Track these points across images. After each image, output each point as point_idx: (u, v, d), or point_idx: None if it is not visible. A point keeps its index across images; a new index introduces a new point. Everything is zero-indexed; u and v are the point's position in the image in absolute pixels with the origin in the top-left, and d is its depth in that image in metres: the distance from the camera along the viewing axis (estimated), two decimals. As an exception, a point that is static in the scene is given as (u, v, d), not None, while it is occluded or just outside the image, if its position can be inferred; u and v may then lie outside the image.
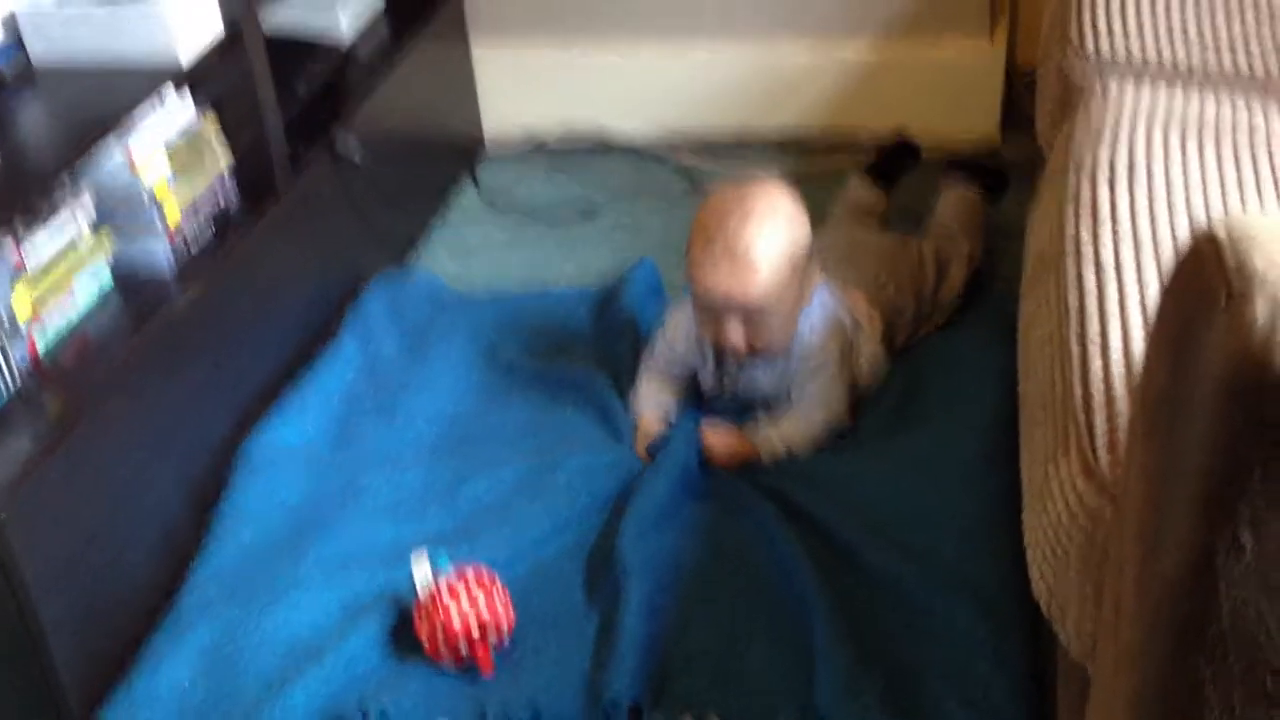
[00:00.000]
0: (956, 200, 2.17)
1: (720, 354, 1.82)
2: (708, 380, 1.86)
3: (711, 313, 1.74)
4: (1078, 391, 1.16)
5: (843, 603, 1.49)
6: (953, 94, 2.55)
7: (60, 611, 1.40)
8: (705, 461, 1.75)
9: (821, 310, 1.80)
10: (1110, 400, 1.12)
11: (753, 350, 1.76)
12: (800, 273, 1.73)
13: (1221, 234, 0.78)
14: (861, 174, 2.26)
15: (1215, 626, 0.82)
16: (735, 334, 1.73)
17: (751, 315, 1.71)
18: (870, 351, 1.84)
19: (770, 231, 1.69)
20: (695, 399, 1.88)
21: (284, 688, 1.44)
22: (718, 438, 1.77)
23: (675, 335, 1.85)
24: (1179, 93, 1.64)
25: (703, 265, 1.71)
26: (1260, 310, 0.74)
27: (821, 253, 1.96)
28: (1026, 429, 1.32)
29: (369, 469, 1.77)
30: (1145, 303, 1.23)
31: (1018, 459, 1.37)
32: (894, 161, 2.30)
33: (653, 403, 1.84)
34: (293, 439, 1.80)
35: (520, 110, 2.71)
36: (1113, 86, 1.67)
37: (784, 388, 1.81)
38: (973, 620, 1.45)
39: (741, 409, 1.84)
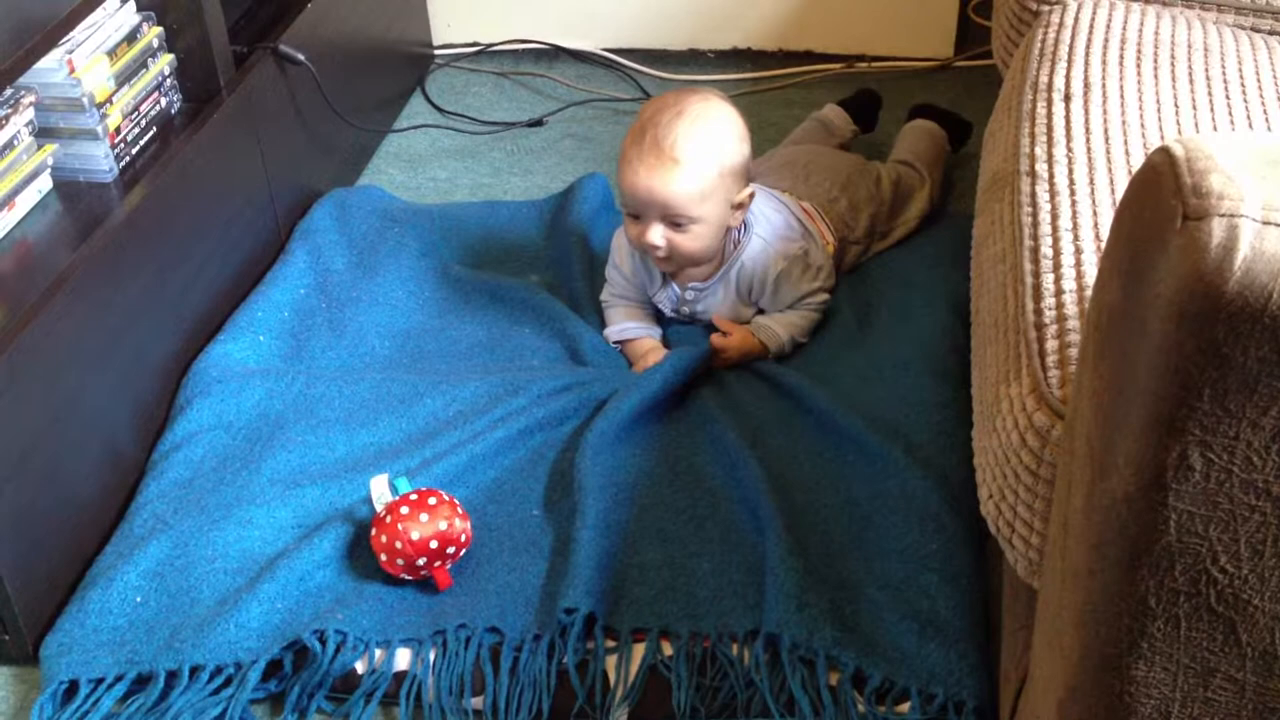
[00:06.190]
0: (920, 131, 2.16)
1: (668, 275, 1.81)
2: (665, 303, 1.85)
3: (635, 212, 1.73)
4: (1029, 311, 1.16)
5: (794, 520, 1.50)
6: (908, 12, 2.53)
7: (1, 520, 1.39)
8: (712, 361, 1.77)
9: (768, 224, 1.79)
10: (1061, 319, 1.12)
11: (672, 260, 1.75)
12: (729, 184, 1.71)
13: (1178, 152, 0.78)
14: (836, 105, 2.26)
15: (1162, 545, 0.83)
16: (655, 234, 1.71)
17: (672, 217, 1.70)
18: (823, 264, 1.84)
19: (701, 131, 1.68)
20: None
21: (237, 604, 1.43)
22: (728, 339, 1.78)
23: (621, 257, 1.84)
24: (1135, 12, 1.63)
25: (629, 159, 1.70)
26: (1215, 233, 0.74)
27: (778, 168, 1.95)
28: (979, 348, 1.33)
29: (321, 383, 1.75)
30: (1098, 223, 1.23)
31: (968, 377, 1.38)
32: (873, 107, 2.29)
33: (638, 329, 1.84)
34: (244, 355, 1.78)
35: (470, 20, 2.67)
36: (1070, 5, 1.66)
37: (745, 308, 1.81)
38: (922, 536, 1.46)
39: (708, 331, 1.84)
